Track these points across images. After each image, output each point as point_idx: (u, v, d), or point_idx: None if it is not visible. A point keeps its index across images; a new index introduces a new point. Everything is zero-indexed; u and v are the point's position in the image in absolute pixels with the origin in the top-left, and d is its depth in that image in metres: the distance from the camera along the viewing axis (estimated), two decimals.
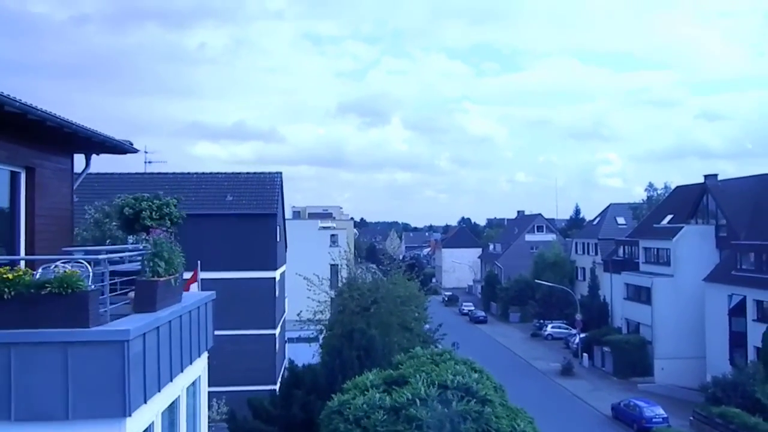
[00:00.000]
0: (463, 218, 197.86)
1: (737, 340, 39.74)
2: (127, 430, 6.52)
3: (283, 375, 29.28)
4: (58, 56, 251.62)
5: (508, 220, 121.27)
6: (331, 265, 45.60)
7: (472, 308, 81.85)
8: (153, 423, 7.58)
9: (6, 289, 6.34)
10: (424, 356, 19.81)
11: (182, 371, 8.41)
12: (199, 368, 9.78)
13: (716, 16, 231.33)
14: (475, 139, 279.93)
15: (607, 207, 73.62)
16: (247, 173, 35.70)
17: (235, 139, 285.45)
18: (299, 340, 42.51)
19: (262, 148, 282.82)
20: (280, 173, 35.69)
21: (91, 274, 7.16)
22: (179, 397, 8.79)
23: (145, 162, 36.52)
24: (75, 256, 7.42)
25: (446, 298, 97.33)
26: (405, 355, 20.40)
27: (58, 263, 7.10)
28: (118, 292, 7.63)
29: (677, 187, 59.17)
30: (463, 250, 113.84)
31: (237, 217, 32.85)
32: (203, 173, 35.38)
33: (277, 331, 34.14)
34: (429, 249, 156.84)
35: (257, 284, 33.16)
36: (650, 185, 71.66)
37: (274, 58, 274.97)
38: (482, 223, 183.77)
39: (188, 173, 35.19)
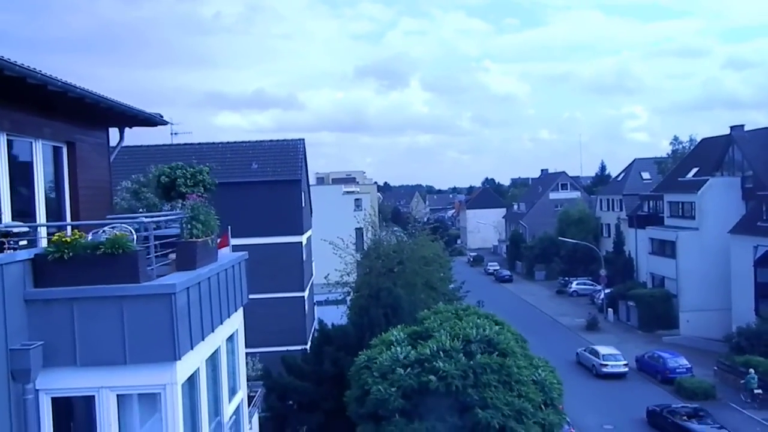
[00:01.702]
0: (486, 179, 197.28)
1: (763, 291, 39.81)
2: (177, 372, 7.34)
3: (313, 335, 30.33)
4: (72, 31, 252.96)
5: (532, 179, 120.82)
6: (356, 229, 46.45)
7: (498, 267, 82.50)
8: (199, 368, 8.42)
9: (66, 251, 7.13)
10: (448, 311, 20.59)
11: (221, 323, 9.21)
12: (236, 322, 10.60)
13: None
14: (497, 97, 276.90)
15: (632, 162, 73.00)
16: (270, 141, 36.38)
17: (255, 107, 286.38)
18: (327, 302, 43.64)
19: (282, 116, 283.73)
20: (303, 140, 36.31)
21: (134, 237, 7.96)
22: (220, 347, 9.63)
23: (171, 134, 37.37)
24: (120, 222, 8.18)
25: (471, 259, 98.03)
26: (429, 311, 21.23)
27: (105, 228, 7.89)
28: (159, 254, 8.38)
29: (703, 139, 58.45)
30: (488, 210, 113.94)
31: (263, 185, 33.66)
32: (228, 142, 36.15)
33: (305, 294, 35.20)
34: (453, 211, 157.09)
35: (285, 249, 34.12)
36: (675, 138, 70.88)
37: (290, 24, 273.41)
38: (506, 183, 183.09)
39: (214, 143, 35.97)
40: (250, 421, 19.40)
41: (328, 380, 22.78)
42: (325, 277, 39.43)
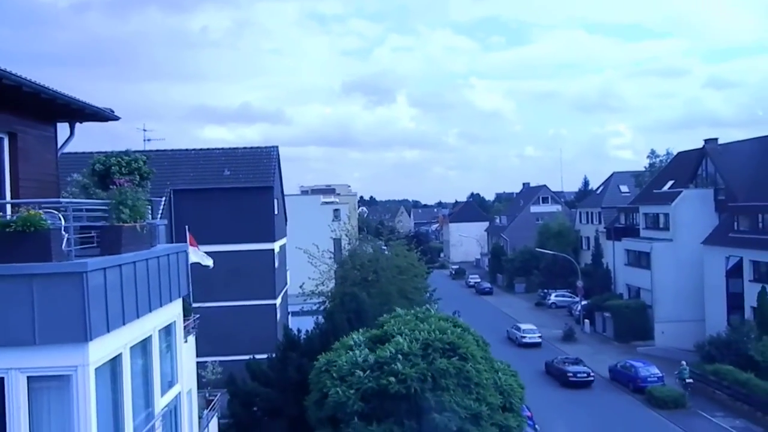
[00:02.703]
0: (472, 194, 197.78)
1: (735, 302, 40.09)
2: (90, 354, 7.20)
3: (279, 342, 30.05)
4: (60, 45, 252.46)
5: (516, 193, 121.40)
6: (334, 239, 46.34)
7: (479, 280, 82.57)
8: (121, 354, 8.27)
9: None
10: (409, 315, 20.49)
11: (150, 311, 9.07)
12: (172, 313, 10.45)
13: None
14: (483, 114, 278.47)
15: (611, 176, 73.65)
16: (244, 148, 36.32)
17: (241, 121, 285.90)
18: (303, 313, 43.34)
19: (269, 130, 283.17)
20: (276, 147, 36.27)
21: (62, 222, 7.88)
22: (151, 336, 9.48)
23: (144, 140, 37.16)
24: (37, 202, 8.05)
25: (453, 272, 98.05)
26: (389, 315, 21.11)
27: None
28: (84, 237, 8.25)
29: (679, 153, 59.15)
30: (471, 224, 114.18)
31: (235, 191, 33.53)
32: (200, 149, 36.06)
33: (277, 302, 34.97)
34: (437, 225, 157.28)
35: (256, 256, 33.93)
36: (652, 152, 71.64)
37: (278, 39, 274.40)
38: (492, 198, 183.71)
39: (186, 150, 35.87)
40: (207, 425, 19.17)
41: (291, 386, 22.51)
42: (300, 287, 39.23)
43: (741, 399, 30.52)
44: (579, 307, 55.21)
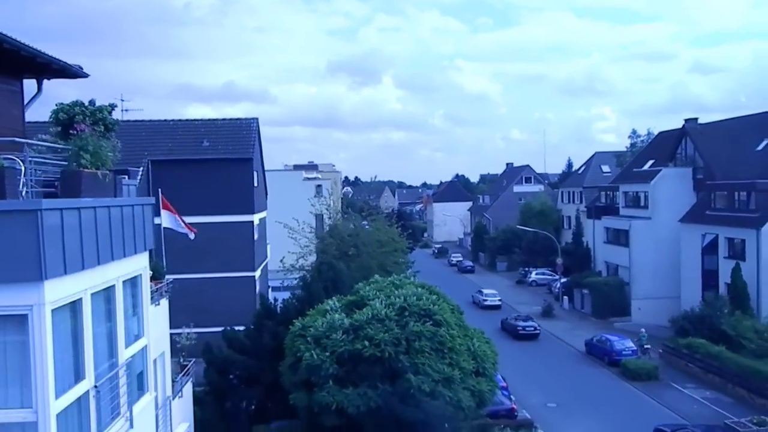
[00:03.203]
0: (457, 175, 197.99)
1: (710, 278, 40.70)
2: (46, 294, 7.14)
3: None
4: (43, 20, 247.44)
5: (500, 174, 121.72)
6: (316, 215, 46.28)
7: (461, 259, 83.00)
8: (82, 300, 8.22)
9: None
10: (386, 282, 20.59)
11: (113, 259, 9.01)
12: (138, 266, 10.39)
13: None
14: (470, 96, 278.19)
15: (593, 156, 74.06)
16: (223, 119, 35.98)
17: (226, 100, 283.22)
18: (284, 288, 43.32)
19: (254, 110, 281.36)
20: (257, 119, 35.97)
21: (22, 167, 7.79)
22: (114, 286, 9.42)
23: (122, 110, 36.67)
24: None
25: (436, 251, 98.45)
26: (365, 282, 21.20)
27: None
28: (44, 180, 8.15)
29: (660, 133, 59.53)
30: (455, 203, 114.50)
31: (214, 162, 33.27)
32: (179, 120, 35.68)
33: (256, 274, 34.91)
34: (421, 204, 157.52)
35: (236, 228, 33.79)
36: (634, 132, 72.07)
37: (263, 18, 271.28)
38: (477, 180, 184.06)
39: (164, 120, 35.46)
40: (181, 390, 19.19)
41: (267, 354, 22.63)
42: (281, 261, 39.21)
43: (713, 371, 31.12)
44: (558, 285, 55.76)
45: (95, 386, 8.50)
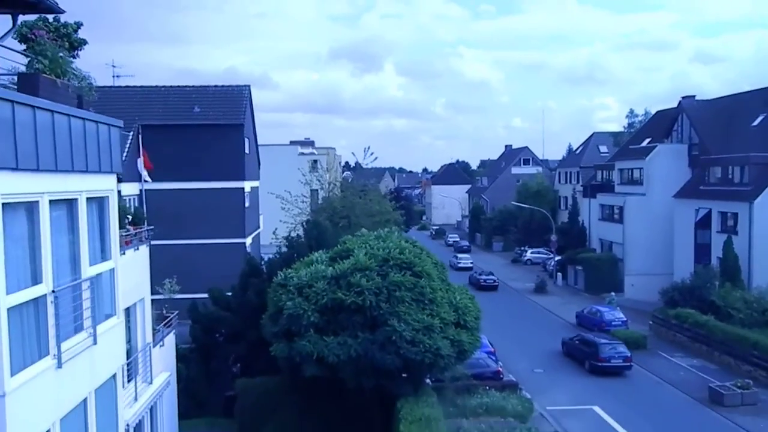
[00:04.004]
0: (458, 161, 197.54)
1: (702, 253, 40.64)
2: None
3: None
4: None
5: (498, 156, 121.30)
6: (312, 190, 46.23)
7: (457, 239, 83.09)
8: (39, 203, 8.20)
9: None
10: (371, 235, 20.56)
11: (73, 170, 8.97)
12: (103, 185, 10.34)
13: None
14: (471, 84, 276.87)
15: (590, 136, 73.81)
16: (215, 86, 35.82)
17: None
18: None
19: (255, 95, 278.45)
20: (248, 86, 35.83)
21: None
22: (77, 201, 9.39)
23: (114, 76, 36.53)
24: None
25: (433, 232, 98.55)
26: (352, 236, 21.17)
27: None
28: None
29: (657, 112, 59.18)
30: (453, 186, 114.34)
31: (205, 128, 33.19)
32: (171, 86, 35.51)
33: (247, 241, 34.92)
34: (420, 189, 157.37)
35: (226, 194, 33.77)
36: (631, 111, 71.92)
37: (264, 3, 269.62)
38: (476, 165, 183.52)
39: (156, 86, 35.31)
40: (162, 340, 19.25)
41: (252, 311, 22.66)
42: (273, 232, 39.20)
43: (700, 340, 31.18)
44: (553, 263, 55.79)
45: (53, 291, 8.50)
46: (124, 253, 14.88)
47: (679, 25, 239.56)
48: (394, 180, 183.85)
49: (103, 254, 10.65)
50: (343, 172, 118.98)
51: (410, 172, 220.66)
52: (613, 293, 41.23)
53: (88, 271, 9.77)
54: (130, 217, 16.56)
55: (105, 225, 10.68)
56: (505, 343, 32.06)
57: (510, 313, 42.09)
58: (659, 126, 53.16)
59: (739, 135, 42.57)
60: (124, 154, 25.87)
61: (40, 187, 8.17)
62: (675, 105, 50.59)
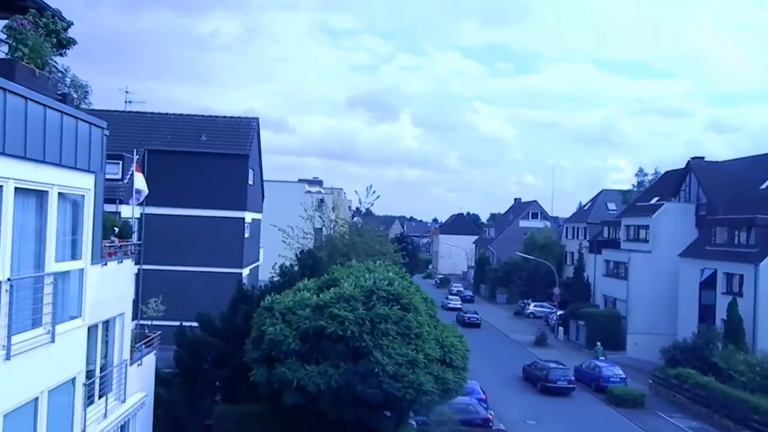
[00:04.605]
0: (468, 213, 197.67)
1: (707, 313, 39.79)
2: None
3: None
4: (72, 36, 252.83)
5: (507, 209, 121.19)
6: (316, 228, 46.10)
7: (461, 288, 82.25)
8: (3, 188, 8.08)
9: None
10: (360, 267, 20.29)
11: (44, 160, 8.89)
12: (78, 183, 10.23)
13: (734, 28, 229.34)
14: (485, 138, 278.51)
15: (599, 193, 73.65)
16: (224, 117, 36.29)
17: None
18: None
19: (272, 138, 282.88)
20: (257, 119, 36.31)
21: None
22: (48, 194, 9.28)
23: (126, 102, 37.13)
24: None
25: (438, 281, 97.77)
26: (341, 266, 20.90)
27: None
28: None
29: (666, 171, 59.12)
30: (460, 237, 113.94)
31: (210, 156, 33.49)
32: (180, 114, 36.04)
33: (244, 272, 34.70)
34: (428, 237, 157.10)
35: (227, 223, 33.81)
36: (640, 170, 71.69)
37: (287, 49, 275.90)
38: (486, 218, 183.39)
39: (166, 113, 35.86)
40: (140, 359, 18.86)
41: (239, 337, 22.22)
42: (273, 268, 38.92)
43: (700, 402, 30.18)
44: (555, 317, 54.91)
45: (9, 280, 8.30)
46: (105, 264, 14.71)
47: (695, 93, 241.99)
48: (403, 227, 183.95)
49: (74, 253, 10.48)
50: (353, 218, 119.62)
51: (420, 221, 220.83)
52: (599, 343, 41.89)
53: (53, 266, 9.58)
54: (116, 229, 16.45)
55: (78, 224, 10.54)
56: (497, 392, 31.23)
57: (507, 361, 41.28)
58: (668, 185, 52.99)
59: (747, 197, 42.24)
60: (127, 178, 25.71)
61: (5, 171, 8.07)
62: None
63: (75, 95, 10.81)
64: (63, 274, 9.95)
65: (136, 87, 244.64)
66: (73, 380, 10.61)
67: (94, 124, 10.46)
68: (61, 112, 9.29)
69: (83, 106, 11.67)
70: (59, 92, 10.02)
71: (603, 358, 38.73)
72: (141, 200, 18.87)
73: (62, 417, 10.22)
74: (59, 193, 9.59)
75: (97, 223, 11.36)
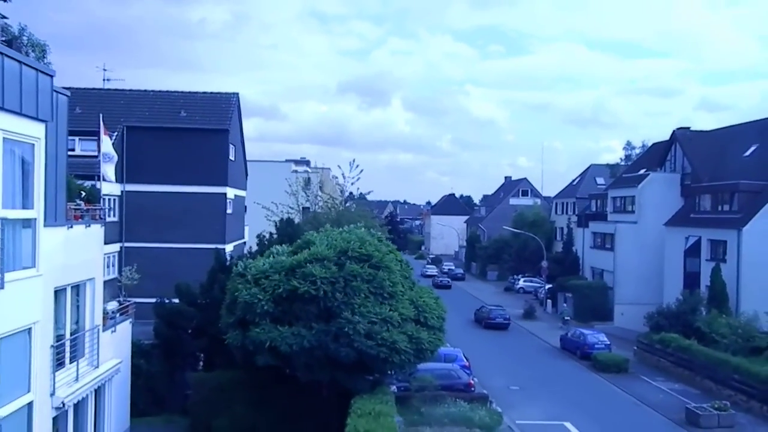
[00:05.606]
0: (462, 195, 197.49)
1: (691, 281, 39.92)
2: None
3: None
4: (59, 28, 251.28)
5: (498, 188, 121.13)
6: (303, 207, 45.99)
7: (452, 267, 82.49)
8: None
9: None
10: (334, 231, 20.21)
11: None
12: (24, 130, 10.08)
13: (725, 6, 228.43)
14: (477, 121, 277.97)
15: (588, 168, 73.70)
16: (203, 92, 35.97)
17: None
18: None
19: (263, 125, 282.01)
20: (237, 94, 36.00)
21: None
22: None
23: (104, 80, 36.77)
24: None
25: (430, 260, 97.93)
26: (317, 232, 20.81)
27: None
28: None
29: (653, 143, 59.10)
30: (452, 217, 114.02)
31: (189, 132, 33.23)
32: (159, 91, 35.71)
33: (228, 248, 34.56)
34: (421, 220, 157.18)
35: (208, 199, 33.65)
36: (628, 143, 71.70)
37: (277, 35, 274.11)
38: (479, 200, 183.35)
39: (144, 90, 35.52)
40: (115, 326, 18.83)
41: (217, 306, 22.18)
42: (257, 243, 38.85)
43: (683, 365, 30.38)
44: (543, 290, 55.09)
45: None
46: (71, 227, 14.63)
47: (687, 72, 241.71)
48: (396, 211, 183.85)
49: (25, 203, 10.36)
50: (346, 202, 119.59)
51: (413, 204, 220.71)
52: (565, 304, 45.94)
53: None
54: (83, 193, 16.32)
55: (29, 173, 10.41)
56: (482, 360, 31.36)
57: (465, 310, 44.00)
58: (654, 156, 52.98)
59: (732, 165, 42.28)
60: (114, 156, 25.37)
61: None
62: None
63: (33, 53, 10.66)
64: (13, 223, 9.82)
65: (132, 75, 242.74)
66: (29, 331, 10.53)
67: (41, 71, 10.30)
68: (2, 54, 9.12)
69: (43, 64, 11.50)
70: (4, 38, 9.84)
71: (568, 318, 43.36)
72: (112, 162, 18.69)
73: (16, 366, 10.16)
74: (5, 138, 9.43)
75: (51, 176, 11.24)
